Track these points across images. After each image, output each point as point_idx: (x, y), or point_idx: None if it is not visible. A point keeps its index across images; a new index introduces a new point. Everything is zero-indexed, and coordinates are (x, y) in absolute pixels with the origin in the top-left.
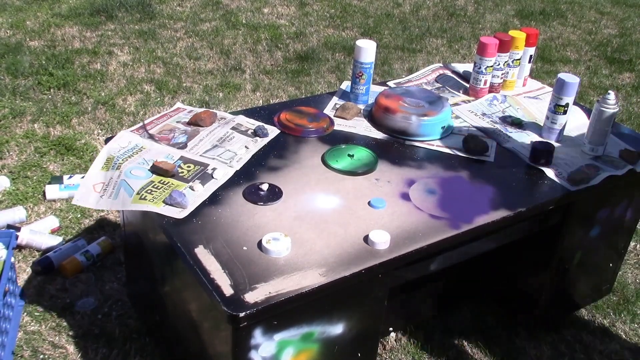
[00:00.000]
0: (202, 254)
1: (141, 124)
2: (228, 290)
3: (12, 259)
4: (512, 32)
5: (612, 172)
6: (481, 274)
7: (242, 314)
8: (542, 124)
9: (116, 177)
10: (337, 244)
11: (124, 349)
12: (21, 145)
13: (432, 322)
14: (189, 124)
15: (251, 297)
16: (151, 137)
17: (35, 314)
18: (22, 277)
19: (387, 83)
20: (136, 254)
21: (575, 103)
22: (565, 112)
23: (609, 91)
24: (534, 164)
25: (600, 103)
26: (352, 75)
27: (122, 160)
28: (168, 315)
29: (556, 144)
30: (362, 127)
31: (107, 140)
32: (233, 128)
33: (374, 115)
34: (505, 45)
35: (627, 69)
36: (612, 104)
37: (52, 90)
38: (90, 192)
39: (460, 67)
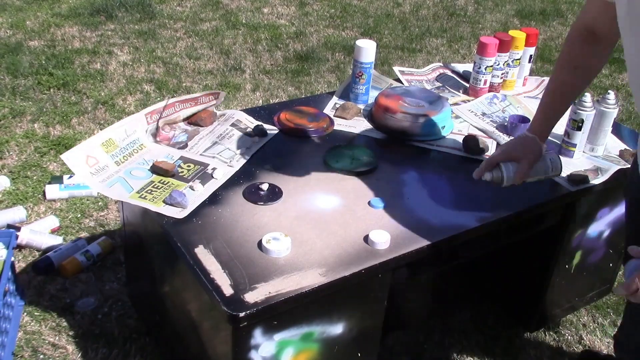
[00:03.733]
0: (202, 254)
1: (165, 102)
2: (228, 290)
3: (12, 259)
4: (512, 32)
5: (614, 170)
6: (481, 274)
7: (242, 314)
8: None
9: (114, 170)
10: (337, 244)
11: (124, 349)
12: (21, 145)
13: (432, 322)
14: (189, 123)
15: (251, 297)
16: (158, 129)
17: (35, 314)
18: (22, 277)
19: (393, 67)
20: (136, 254)
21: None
22: (580, 129)
23: (609, 91)
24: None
25: (600, 103)
26: (352, 75)
27: (123, 158)
28: (168, 315)
29: (556, 145)
30: (362, 127)
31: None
32: (232, 125)
33: (374, 115)
34: (505, 45)
35: (627, 69)
36: (611, 104)
37: (52, 90)
38: (82, 162)
39: (460, 67)
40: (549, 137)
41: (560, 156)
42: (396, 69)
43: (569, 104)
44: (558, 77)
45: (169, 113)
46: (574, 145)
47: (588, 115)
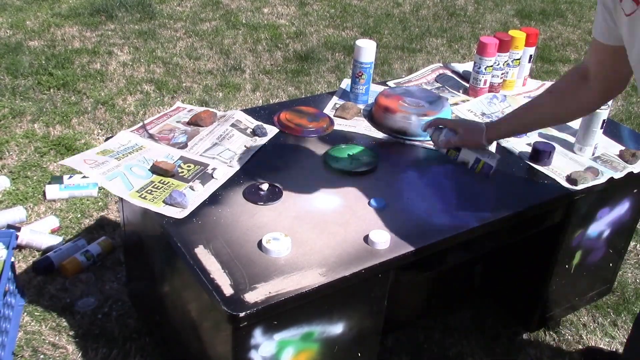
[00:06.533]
0: (202, 254)
1: (141, 124)
2: (228, 290)
3: (12, 259)
4: (512, 32)
5: (612, 172)
6: (481, 274)
7: (242, 314)
8: None
9: (114, 165)
10: (337, 244)
11: (124, 349)
12: (21, 145)
13: (432, 322)
14: (189, 123)
15: (251, 297)
16: (151, 136)
17: (35, 314)
18: (22, 277)
19: (387, 83)
20: (136, 254)
21: None
22: None
23: None
24: (534, 164)
25: None
26: (352, 75)
27: (122, 155)
28: (168, 315)
29: (556, 144)
30: (362, 127)
31: (107, 140)
32: (232, 125)
33: (374, 115)
34: (505, 45)
35: (634, 73)
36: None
37: (52, 90)
38: (80, 162)
39: (460, 67)
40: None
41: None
42: (390, 83)
43: (535, 125)
44: (536, 97)
45: (153, 126)
46: None
47: None
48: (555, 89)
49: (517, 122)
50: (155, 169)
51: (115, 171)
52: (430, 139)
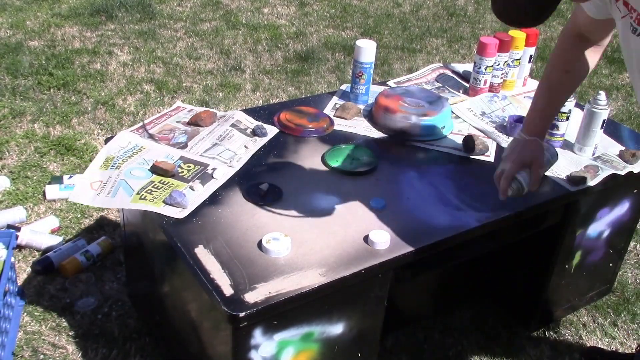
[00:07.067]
0: (202, 254)
1: (141, 123)
2: (228, 290)
3: (12, 259)
4: (512, 32)
5: (612, 172)
6: (481, 274)
7: (242, 314)
8: None
9: (115, 176)
10: (337, 244)
11: (124, 349)
12: (21, 145)
13: (432, 322)
14: (189, 123)
15: (251, 297)
16: (151, 136)
17: (35, 314)
18: (22, 277)
19: (387, 82)
20: (136, 254)
21: (576, 104)
22: (567, 119)
23: (600, 92)
24: None
25: (591, 103)
26: (352, 75)
27: (122, 160)
28: (168, 315)
29: (556, 145)
30: (362, 127)
31: (107, 141)
32: (232, 125)
33: (374, 115)
34: (505, 45)
35: (627, 69)
36: (602, 104)
37: (52, 90)
38: (87, 189)
39: (460, 67)
40: None
41: (552, 145)
42: (390, 83)
43: (563, 103)
44: (552, 80)
45: (153, 126)
46: (562, 135)
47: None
48: (562, 66)
49: (550, 113)
50: (155, 169)
51: (117, 182)
52: (511, 196)
